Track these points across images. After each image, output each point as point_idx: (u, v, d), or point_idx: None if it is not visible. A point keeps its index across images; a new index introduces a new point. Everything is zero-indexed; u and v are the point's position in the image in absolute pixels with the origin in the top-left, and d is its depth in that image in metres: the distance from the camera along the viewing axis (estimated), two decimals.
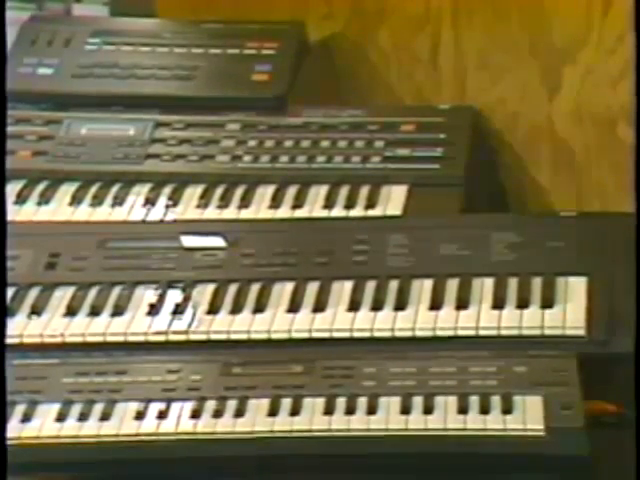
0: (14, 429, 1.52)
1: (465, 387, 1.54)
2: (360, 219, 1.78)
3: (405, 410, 1.52)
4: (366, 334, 1.62)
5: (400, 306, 1.65)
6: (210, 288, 1.68)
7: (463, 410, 1.51)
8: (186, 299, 1.67)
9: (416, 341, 1.60)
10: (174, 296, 1.67)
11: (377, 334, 1.62)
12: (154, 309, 1.65)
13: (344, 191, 1.83)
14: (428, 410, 1.52)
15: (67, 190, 1.84)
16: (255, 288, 1.68)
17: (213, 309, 1.65)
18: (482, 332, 1.61)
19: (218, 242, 1.73)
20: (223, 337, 1.63)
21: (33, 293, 1.68)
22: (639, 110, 1.55)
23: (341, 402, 1.54)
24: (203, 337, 1.63)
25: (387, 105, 1.97)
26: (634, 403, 1.42)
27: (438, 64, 1.95)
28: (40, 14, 2.16)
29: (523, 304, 1.63)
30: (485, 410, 1.51)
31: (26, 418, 1.53)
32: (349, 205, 1.81)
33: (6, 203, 1.72)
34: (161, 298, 1.67)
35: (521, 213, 1.90)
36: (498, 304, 1.64)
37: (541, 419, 1.49)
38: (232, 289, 1.68)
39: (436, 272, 1.68)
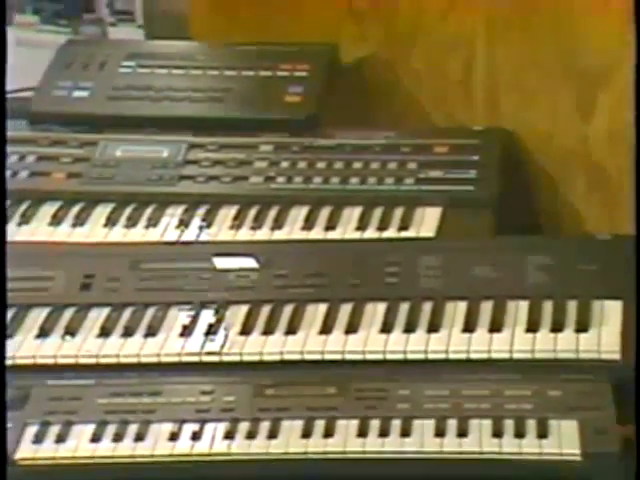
0: (49, 449, 1.51)
1: (500, 410, 1.51)
2: (393, 241, 1.75)
3: (439, 433, 1.50)
4: (399, 356, 1.60)
5: (433, 328, 1.62)
6: (243, 309, 1.66)
7: (498, 433, 1.49)
8: (219, 320, 1.65)
9: (450, 363, 1.58)
10: (207, 317, 1.66)
11: (410, 356, 1.60)
12: (187, 330, 1.64)
13: (377, 213, 1.81)
14: (463, 433, 1.49)
15: (102, 212, 1.83)
16: (288, 309, 1.66)
17: (246, 330, 1.63)
18: (516, 355, 1.58)
19: (251, 263, 1.72)
20: (256, 358, 1.61)
21: (67, 314, 1.67)
22: (639, 112, 1.53)
23: (375, 424, 1.51)
24: (236, 358, 1.61)
25: (420, 127, 1.96)
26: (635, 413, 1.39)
27: (471, 86, 1.93)
28: (76, 38, 2.15)
29: (558, 327, 1.61)
30: (520, 434, 1.49)
31: (61, 439, 1.52)
32: (382, 227, 1.79)
33: (6, 224, 1.73)
34: (194, 319, 1.65)
35: (555, 236, 1.88)
36: (532, 327, 1.61)
37: (577, 444, 1.47)
38: (265, 310, 1.66)
39: (470, 294, 1.65)
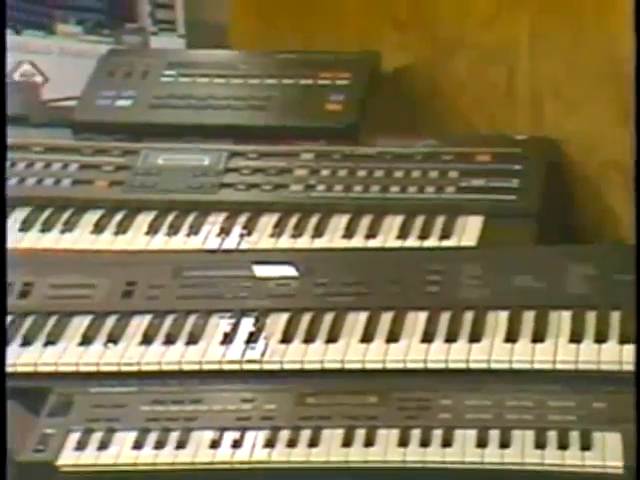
0: (91, 456, 1.52)
1: (543, 421, 1.49)
2: (434, 249, 1.74)
3: (481, 443, 1.48)
4: (441, 365, 1.58)
5: (475, 338, 1.61)
6: (283, 317, 1.65)
7: (541, 445, 1.47)
8: (260, 328, 1.64)
9: (492, 373, 1.56)
10: (248, 325, 1.65)
11: (452, 365, 1.58)
12: (228, 338, 1.63)
13: (418, 221, 1.79)
14: (505, 444, 1.48)
15: (143, 219, 1.83)
16: (328, 318, 1.65)
17: (286, 338, 1.63)
18: (559, 366, 1.56)
19: (291, 271, 1.71)
20: (297, 367, 1.60)
21: (110, 322, 1.67)
22: (638, 115, 1.50)
23: (416, 434, 1.50)
24: (277, 366, 1.60)
25: (462, 135, 1.94)
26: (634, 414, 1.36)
27: (514, 94, 1.91)
28: (118, 47, 2.15)
29: (601, 338, 1.59)
30: (563, 445, 1.47)
31: (103, 446, 1.52)
32: (423, 235, 1.77)
33: (7, 231, 1.73)
34: (235, 327, 1.65)
35: (597, 245, 1.85)
36: (575, 338, 1.59)
37: (620, 456, 1.45)
38: (305, 318, 1.65)
39: (511, 304, 1.63)
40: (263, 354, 1.61)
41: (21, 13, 2.23)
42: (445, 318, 1.63)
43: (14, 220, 1.83)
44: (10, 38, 2.23)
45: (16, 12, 2.22)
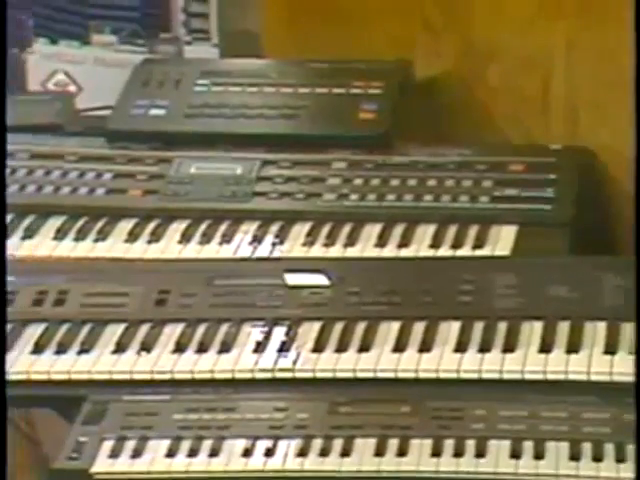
0: (125, 464, 1.51)
1: (577, 433, 1.48)
2: (468, 259, 1.73)
3: (515, 454, 1.47)
4: (474, 375, 1.57)
5: (509, 348, 1.59)
6: (316, 326, 1.65)
7: (575, 457, 1.45)
8: (292, 337, 1.64)
9: (526, 384, 1.55)
10: (280, 334, 1.65)
11: (485, 375, 1.57)
12: (260, 346, 1.63)
13: (451, 230, 1.78)
14: (539, 455, 1.46)
15: (176, 228, 1.83)
16: (361, 327, 1.64)
17: (319, 347, 1.62)
18: (594, 377, 1.54)
19: (323, 280, 1.70)
20: (329, 375, 1.59)
21: (143, 330, 1.66)
22: (639, 112, 1.48)
23: (449, 444, 1.49)
24: (309, 375, 1.59)
25: (496, 144, 1.92)
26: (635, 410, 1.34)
27: (549, 103, 1.89)
28: (152, 57, 2.16)
29: (636, 350, 1.56)
30: (598, 458, 1.45)
31: (137, 453, 1.52)
32: (456, 245, 1.76)
33: (6, 237, 1.74)
34: (267, 335, 1.64)
35: (632, 256, 1.82)
36: (610, 349, 1.58)
37: None
38: (338, 327, 1.64)
39: (546, 314, 1.62)
40: (295, 363, 1.60)
41: (57, 23, 2.24)
42: (478, 328, 1.62)
43: (48, 228, 1.84)
44: (45, 48, 2.25)
45: (52, 22, 2.24)
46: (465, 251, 1.75)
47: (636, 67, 1.58)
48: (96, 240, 1.81)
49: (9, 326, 1.66)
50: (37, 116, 2.01)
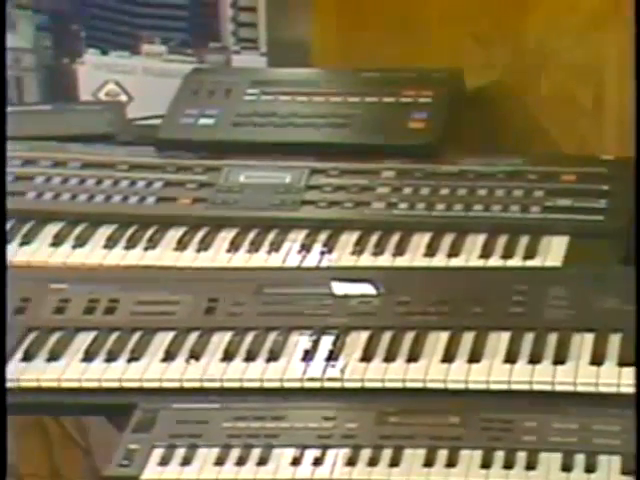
0: (174, 472, 1.51)
1: (630, 447, 1.45)
2: (518, 269, 1.71)
3: (566, 467, 1.45)
4: (525, 387, 1.55)
5: (560, 360, 1.57)
6: (364, 335, 1.63)
7: (627, 471, 1.43)
8: (340, 346, 1.62)
9: (577, 396, 1.53)
10: (328, 343, 1.64)
11: (536, 387, 1.54)
12: (308, 355, 1.62)
13: (502, 240, 1.76)
14: (591, 469, 1.44)
15: (225, 236, 1.82)
16: (409, 336, 1.62)
17: (367, 357, 1.61)
18: None
19: (372, 289, 1.69)
20: (378, 385, 1.58)
21: (192, 338, 1.66)
22: (639, 116, 1.44)
23: (499, 456, 1.47)
24: (358, 385, 1.58)
25: (547, 154, 1.90)
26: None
27: (601, 113, 1.87)
28: (201, 66, 2.16)
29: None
30: None
31: (186, 461, 1.51)
32: (507, 255, 1.74)
33: (6, 245, 1.74)
34: (315, 344, 1.63)
35: None
36: None
37: None
38: (386, 337, 1.63)
39: (597, 326, 1.60)
40: (344, 372, 1.59)
41: (108, 34, 2.25)
42: (529, 339, 1.60)
43: (99, 237, 1.84)
44: (96, 58, 2.26)
45: (103, 33, 2.25)
46: (516, 261, 1.73)
47: (636, 67, 1.55)
48: (146, 248, 1.81)
49: (60, 333, 1.67)
50: (89, 126, 2.02)
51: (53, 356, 1.63)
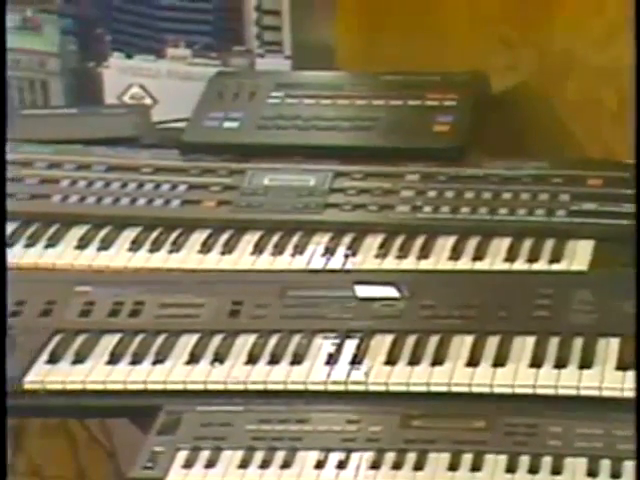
0: (198, 474, 1.50)
1: None
2: (544, 273, 1.70)
3: (592, 473, 1.44)
4: (550, 391, 1.54)
5: (585, 364, 1.56)
6: (388, 339, 1.63)
7: None
8: (364, 349, 1.62)
9: (603, 401, 1.52)
10: (352, 346, 1.63)
11: (562, 392, 1.53)
12: (332, 358, 1.61)
13: (527, 244, 1.75)
14: (616, 474, 1.43)
15: (250, 239, 1.82)
16: (434, 340, 1.62)
17: (391, 360, 1.60)
18: None
19: (394, 293, 1.68)
20: (402, 389, 1.57)
21: (216, 340, 1.66)
22: (639, 115, 1.43)
23: (524, 460, 1.46)
24: (382, 388, 1.58)
25: (572, 158, 1.89)
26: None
27: (626, 117, 1.85)
28: (226, 69, 2.15)
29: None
30: None
31: (210, 464, 1.51)
32: (532, 258, 1.73)
33: (6, 243, 1.74)
34: (339, 347, 1.63)
35: None
36: None
37: None
38: (410, 340, 1.62)
39: (623, 331, 1.58)
40: (368, 375, 1.58)
41: (132, 38, 2.25)
42: (554, 343, 1.59)
43: (124, 240, 1.84)
44: (121, 62, 2.26)
45: (128, 37, 2.25)
46: (541, 265, 1.72)
47: (636, 66, 1.53)
48: (170, 251, 1.81)
49: (85, 336, 1.67)
50: (114, 129, 2.02)
51: (78, 358, 1.64)
